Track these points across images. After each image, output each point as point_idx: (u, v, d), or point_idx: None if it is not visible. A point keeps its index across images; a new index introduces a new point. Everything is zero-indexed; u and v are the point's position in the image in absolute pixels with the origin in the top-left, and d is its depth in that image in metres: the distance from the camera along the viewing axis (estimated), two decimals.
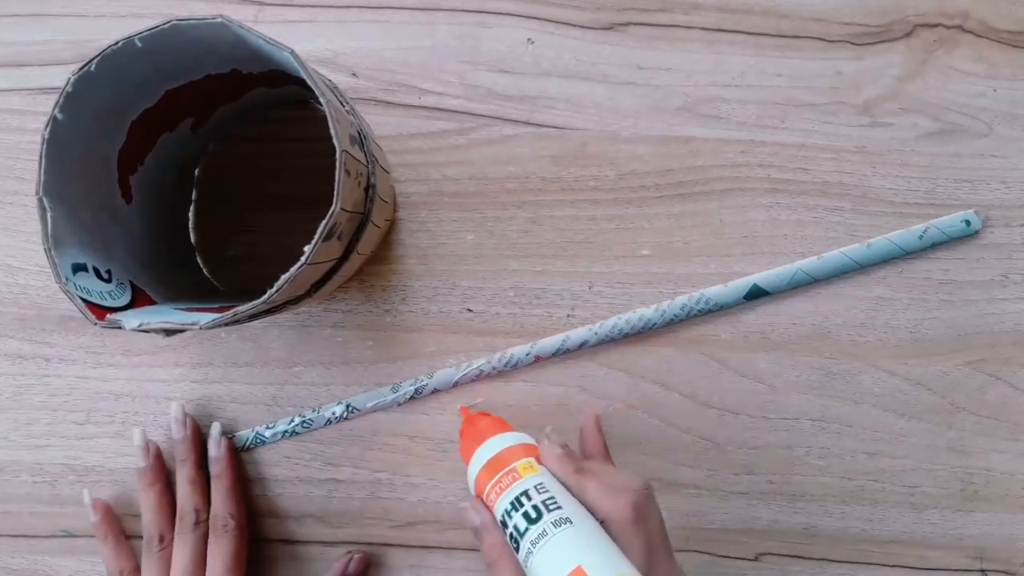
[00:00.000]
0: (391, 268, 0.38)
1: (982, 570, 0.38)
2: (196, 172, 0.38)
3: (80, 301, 0.26)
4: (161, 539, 0.35)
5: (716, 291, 0.37)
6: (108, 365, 0.38)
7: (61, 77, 0.26)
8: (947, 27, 0.38)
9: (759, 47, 0.38)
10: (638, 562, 0.24)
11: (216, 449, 0.36)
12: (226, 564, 0.34)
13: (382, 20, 0.38)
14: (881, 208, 0.37)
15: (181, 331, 0.27)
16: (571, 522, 0.24)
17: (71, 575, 0.38)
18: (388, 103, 0.38)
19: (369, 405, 0.37)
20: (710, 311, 0.37)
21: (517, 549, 0.25)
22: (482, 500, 0.28)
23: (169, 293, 0.32)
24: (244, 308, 0.25)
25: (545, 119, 0.38)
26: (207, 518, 0.35)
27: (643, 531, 0.25)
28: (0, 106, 0.38)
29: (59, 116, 0.26)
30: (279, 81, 0.32)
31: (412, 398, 0.37)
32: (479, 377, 0.37)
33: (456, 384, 0.37)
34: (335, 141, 0.25)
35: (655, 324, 0.37)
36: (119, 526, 0.37)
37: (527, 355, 0.37)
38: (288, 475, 0.38)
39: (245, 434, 0.37)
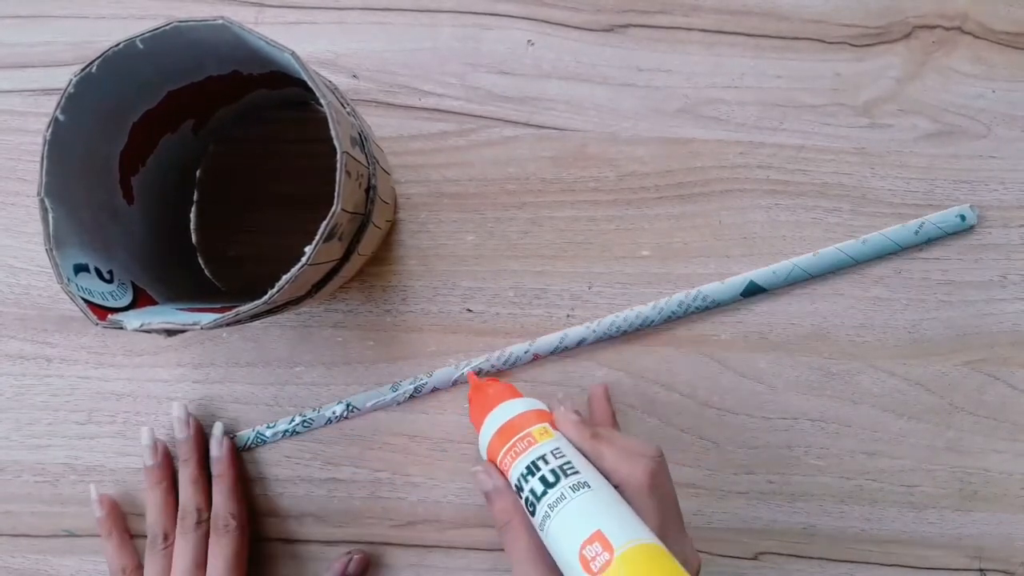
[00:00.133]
0: (391, 269, 0.38)
1: (981, 569, 0.38)
2: (197, 173, 0.38)
3: (82, 301, 0.26)
4: (165, 537, 0.35)
5: (713, 288, 0.37)
6: (110, 365, 0.38)
7: (62, 78, 0.26)
8: (946, 29, 0.38)
9: (758, 49, 0.38)
10: (653, 527, 0.24)
11: (218, 449, 0.36)
12: (227, 563, 0.34)
13: (383, 22, 0.38)
14: (880, 209, 0.38)
15: (182, 331, 0.27)
16: (589, 486, 0.24)
17: (72, 575, 0.38)
18: (389, 104, 0.38)
19: (369, 404, 0.37)
20: (707, 308, 0.37)
21: (533, 513, 0.25)
22: (495, 464, 0.28)
23: (170, 293, 0.32)
24: (245, 308, 0.26)
25: (545, 120, 0.38)
26: (208, 517, 0.35)
27: (657, 497, 0.25)
28: (1, 107, 0.38)
29: (61, 117, 0.26)
30: (280, 82, 0.32)
31: (412, 397, 0.37)
32: (478, 376, 0.37)
33: (455, 383, 0.37)
34: (336, 142, 0.25)
35: (653, 322, 0.37)
36: (124, 523, 0.37)
37: (526, 353, 0.37)
38: (288, 474, 0.38)
39: (246, 434, 0.37)
